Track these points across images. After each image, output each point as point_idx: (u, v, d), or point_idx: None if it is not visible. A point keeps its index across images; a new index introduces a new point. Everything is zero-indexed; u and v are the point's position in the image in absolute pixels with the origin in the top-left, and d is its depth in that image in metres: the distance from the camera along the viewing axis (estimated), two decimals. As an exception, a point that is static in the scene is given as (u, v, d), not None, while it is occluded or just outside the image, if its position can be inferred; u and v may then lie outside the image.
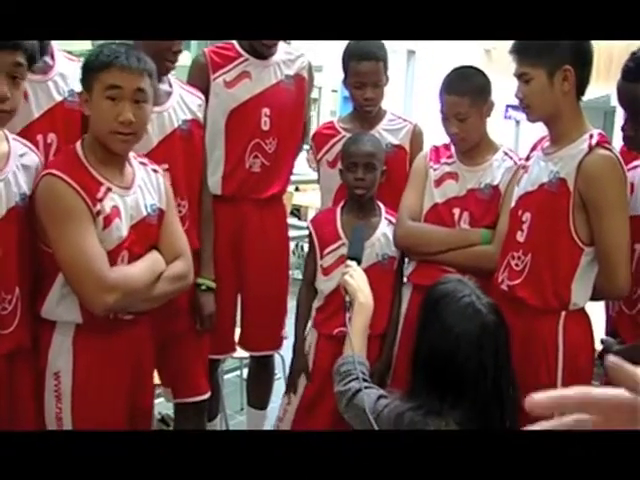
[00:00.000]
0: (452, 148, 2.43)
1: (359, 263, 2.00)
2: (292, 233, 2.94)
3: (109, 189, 1.88)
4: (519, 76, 2.03)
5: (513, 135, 9.25)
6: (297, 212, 7.10)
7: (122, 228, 1.89)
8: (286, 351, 2.90)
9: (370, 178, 2.43)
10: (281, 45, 2.65)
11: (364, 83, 2.54)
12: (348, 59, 2.56)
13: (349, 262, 1.99)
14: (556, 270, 2.01)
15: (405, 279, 2.53)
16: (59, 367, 1.90)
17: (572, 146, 1.99)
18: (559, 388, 2.16)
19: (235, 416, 3.61)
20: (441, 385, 1.62)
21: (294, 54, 2.68)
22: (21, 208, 1.80)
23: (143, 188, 1.99)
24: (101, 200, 1.85)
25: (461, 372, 1.61)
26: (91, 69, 1.85)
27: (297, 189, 6.92)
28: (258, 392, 2.98)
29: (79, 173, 1.84)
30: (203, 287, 2.40)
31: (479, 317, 1.64)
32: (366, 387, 1.74)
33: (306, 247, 2.76)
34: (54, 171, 1.82)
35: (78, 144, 1.91)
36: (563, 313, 2.02)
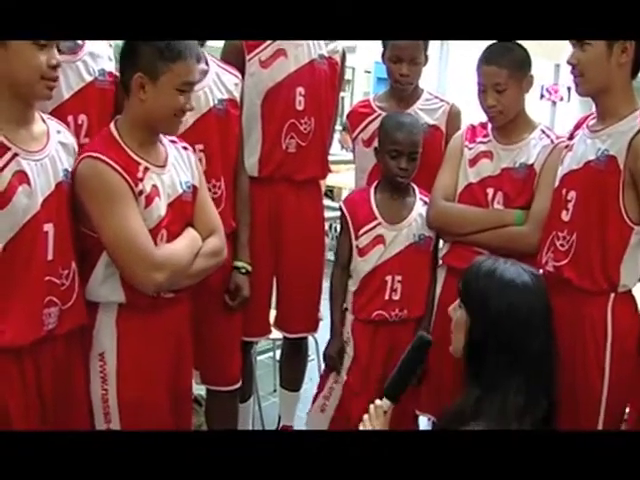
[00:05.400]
0: (488, 127, 2.37)
1: (394, 402, 1.67)
2: (325, 214, 2.90)
3: (147, 168, 1.88)
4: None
5: (549, 116, 9.08)
6: (330, 193, 7.06)
7: (161, 207, 1.90)
8: (319, 333, 2.88)
9: (413, 167, 2.39)
10: None
11: (401, 58, 2.49)
12: None
13: (379, 402, 1.67)
14: (605, 250, 1.95)
15: (439, 261, 2.49)
16: (104, 348, 1.91)
17: (622, 123, 1.94)
18: (607, 372, 2.11)
19: (268, 397, 3.61)
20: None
21: None
22: (65, 183, 1.80)
23: (176, 166, 1.98)
24: (142, 180, 1.85)
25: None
26: (163, 59, 1.83)
27: (329, 170, 6.86)
28: (291, 374, 2.97)
29: (118, 154, 1.84)
30: (243, 270, 2.39)
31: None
32: None
33: (339, 228, 2.72)
34: (94, 153, 1.82)
35: (112, 126, 1.91)
36: (612, 295, 1.97)
